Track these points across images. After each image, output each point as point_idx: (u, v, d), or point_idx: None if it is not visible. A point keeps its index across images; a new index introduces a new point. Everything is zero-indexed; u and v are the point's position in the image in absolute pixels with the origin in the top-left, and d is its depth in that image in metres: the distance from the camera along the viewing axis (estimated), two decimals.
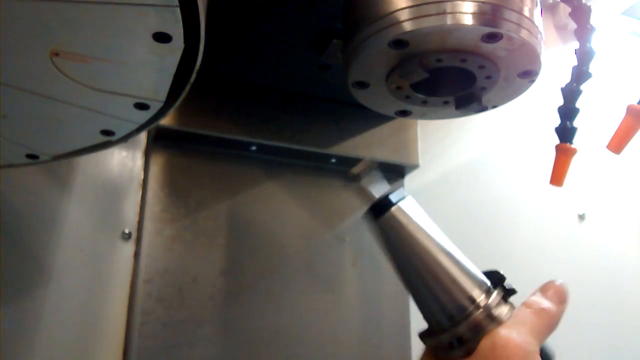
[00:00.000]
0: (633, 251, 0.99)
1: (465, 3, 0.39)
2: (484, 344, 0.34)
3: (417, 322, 0.75)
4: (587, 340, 0.87)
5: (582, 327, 0.85)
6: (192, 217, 0.67)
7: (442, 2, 0.39)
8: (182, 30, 0.35)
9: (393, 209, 0.37)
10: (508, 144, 0.94)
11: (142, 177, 0.69)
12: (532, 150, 0.94)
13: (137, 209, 0.68)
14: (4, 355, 0.58)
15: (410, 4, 0.39)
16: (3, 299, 0.59)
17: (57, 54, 0.37)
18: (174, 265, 0.65)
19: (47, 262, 0.62)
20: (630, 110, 0.44)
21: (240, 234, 0.69)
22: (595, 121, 0.78)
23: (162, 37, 0.35)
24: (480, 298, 0.36)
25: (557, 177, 0.45)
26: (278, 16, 0.58)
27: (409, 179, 0.81)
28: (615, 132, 0.45)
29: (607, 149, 0.45)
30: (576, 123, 0.45)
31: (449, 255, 0.37)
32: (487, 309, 0.35)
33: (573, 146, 0.45)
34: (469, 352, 0.34)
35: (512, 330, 0.34)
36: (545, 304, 0.36)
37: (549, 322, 0.36)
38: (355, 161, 0.76)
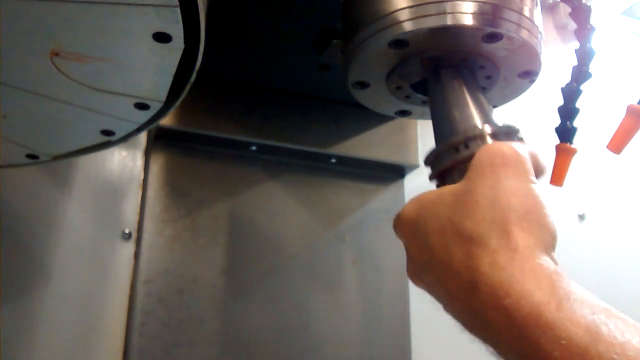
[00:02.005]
0: (633, 251, 0.99)
1: (465, 3, 0.39)
2: (480, 151, 0.35)
3: (418, 322, 0.75)
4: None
5: None
6: (192, 217, 0.67)
7: (442, 2, 0.39)
8: (182, 30, 0.35)
9: None
10: None
11: (142, 177, 0.69)
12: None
13: (137, 209, 0.68)
14: (4, 355, 0.58)
15: (410, 4, 0.39)
16: (3, 299, 0.59)
17: (57, 54, 0.37)
18: (174, 265, 0.64)
19: (47, 262, 0.62)
20: (630, 110, 0.44)
21: (240, 234, 0.69)
22: (595, 121, 0.78)
23: (162, 37, 0.35)
24: (487, 127, 0.37)
25: (557, 177, 0.45)
26: (278, 16, 0.58)
27: (409, 179, 0.81)
28: (615, 132, 0.45)
29: (607, 149, 0.45)
30: (576, 123, 0.45)
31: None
32: (486, 131, 0.37)
33: (573, 146, 0.45)
34: (462, 161, 0.37)
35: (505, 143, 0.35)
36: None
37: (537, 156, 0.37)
38: (355, 161, 0.76)
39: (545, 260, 0.30)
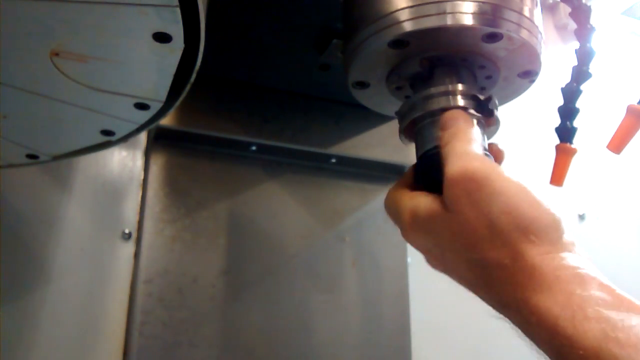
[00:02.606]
0: (633, 251, 0.99)
1: (465, 3, 0.39)
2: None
3: (418, 322, 0.75)
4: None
5: None
6: (192, 217, 0.67)
7: (442, 2, 0.39)
8: (182, 30, 0.35)
9: None
10: (508, 144, 0.93)
11: (142, 177, 0.69)
12: (532, 150, 0.94)
13: (137, 209, 0.68)
14: (3, 355, 0.58)
15: (410, 4, 0.39)
16: (3, 299, 0.59)
17: (57, 54, 0.37)
18: (174, 265, 0.64)
19: (47, 262, 0.62)
20: (630, 110, 0.44)
21: (240, 234, 0.69)
22: (595, 121, 0.78)
23: (162, 37, 0.35)
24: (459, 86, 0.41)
25: (557, 177, 0.45)
26: (278, 16, 0.58)
27: None
28: (615, 132, 0.45)
29: (607, 149, 0.45)
30: (576, 123, 0.45)
31: None
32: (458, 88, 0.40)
33: (573, 146, 0.45)
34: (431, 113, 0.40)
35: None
36: None
37: None
38: (355, 161, 0.76)
39: (564, 263, 0.31)
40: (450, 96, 0.40)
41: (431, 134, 0.40)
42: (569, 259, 0.31)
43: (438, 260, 0.38)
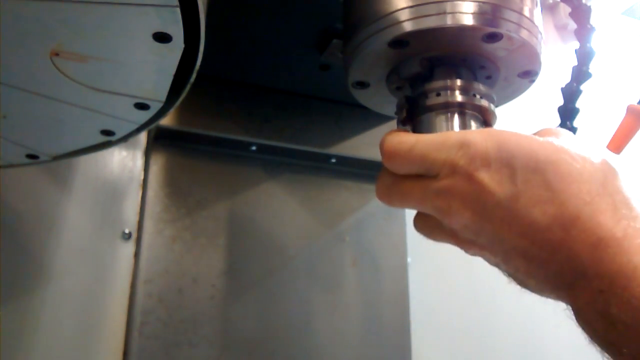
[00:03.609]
0: None
1: (465, 3, 0.39)
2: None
3: (418, 322, 0.75)
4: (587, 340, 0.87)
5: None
6: (192, 217, 0.67)
7: (442, 2, 0.39)
8: (182, 30, 0.35)
9: None
10: None
11: (142, 177, 0.69)
12: None
13: (137, 209, 0.68)
14: (3, 355, 0.58)
15: (410, 4, 0.39)
16: (3, 299, 0.59)
17: (57, 54, 0.37)
18: (174, 266, 0.64)
19: (47, 262, 0.62)
20: (630, 110, 0.44)
21: (240, 234, 0.69)
22: (595, 121, 0.78)
23: (162, 37, 0.35)
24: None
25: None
26: (278, 16, 0.58)
27: None
28: (615, 132, 0.45)
29: (607, 149, 0.45)
30: (576, 123, 0.45)
31: None
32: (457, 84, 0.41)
33: None
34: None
35: None
36: None
37: None
38: (355, 161, 0.76)
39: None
40: (449, 91, 0.41)
41: (435, 125, 0.41)
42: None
43: None
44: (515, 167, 0.32)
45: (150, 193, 0.66)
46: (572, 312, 0.31)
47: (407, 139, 0.37)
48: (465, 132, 0.35)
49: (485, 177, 0.33)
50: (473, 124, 0.41)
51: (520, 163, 0.32)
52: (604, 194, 0.31)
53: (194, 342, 0.63)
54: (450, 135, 0.35)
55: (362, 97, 0.50)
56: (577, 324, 0.31)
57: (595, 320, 0.30)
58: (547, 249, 0.31)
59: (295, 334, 0.68)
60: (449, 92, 0.41)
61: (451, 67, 0.42)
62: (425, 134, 0.38)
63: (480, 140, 0.33)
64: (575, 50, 0.45)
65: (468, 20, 0.39)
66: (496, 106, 0.50)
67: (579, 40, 0.45)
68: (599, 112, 0.89)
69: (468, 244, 0.36)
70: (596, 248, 0.30)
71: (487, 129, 0.36)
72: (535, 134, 0.36)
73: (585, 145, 0.34)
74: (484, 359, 0.83)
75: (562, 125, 0.45)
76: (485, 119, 0.42)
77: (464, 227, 0.34)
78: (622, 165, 0.34)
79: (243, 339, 0.65)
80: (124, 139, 0.49)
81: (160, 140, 0.68)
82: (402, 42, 0.41)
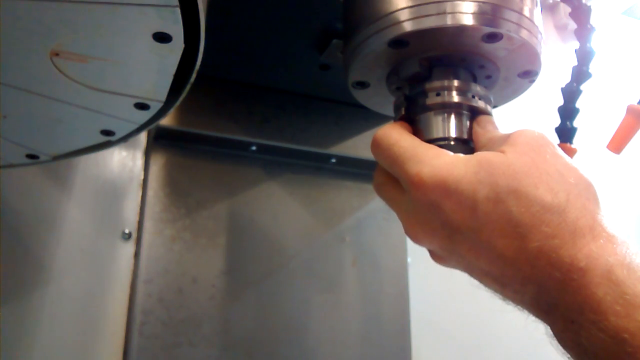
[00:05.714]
0: None
1: (465, 3, 0.39)
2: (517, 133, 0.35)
3: (417, 322, 0.75)
4: None
5: None
6: (192, 217, 0.67)
7: (442, 2, 0.39)
8: (182, 30, 0.35)
9: None
10: None
11: (142, 177, 0.69)
12: None
13: (137, 209, 0.68)
14: (4, 355, 0.58)
15: (410, 4, 0.39)
16: (3, 299, 0.59)
17: (57, 54, 0.37)
18: (174, 265, 0.65)
19: (47, 262, 0.62)
20: (630, 110, 0.44)
21: (240, 234, 0.69)
22: (595, 121, 0.78)
23: (162, 37, 0.35)
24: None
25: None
26: (278, 16, 0.58)
27: None
28: (615, 132, 0.45)
29: (607, 149, 0.45)
30: (576, 123, 0.45)
31: None
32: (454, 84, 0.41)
33: (573, 146, 0.45)
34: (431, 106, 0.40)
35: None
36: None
37: None
38: (355, 161, 0.76)
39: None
40: (447, 91, 0.41)
41: (432, 125, 0.41)
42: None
43: None
44: (476, 200, 0.32)
45: (150, 193, 0.66)
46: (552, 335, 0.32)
47: (394, 134, 0.37)
48: (438, 154, 0.35)
49: (447, 207, 0.33)
50: (469, 125, 0.41)
51: (481, 195, 0.32)
52: (567, 222, 0.31)
53: (194, 342, 0.63)
54: (426, 152, 0.35)
55: (362, 97, 0.50)
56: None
57: (571, 347, 0.30)
58: (517, 280, 0.32)
59: (295, 334, 0.68)
60: (446, 92, 0.41)
61: (450, 67, 0.42)
62: (413, 138, 0.38)
63: (446, 170, 0.33)
64: (575, 50, 0.45)
65: (468, 20, 0.39)
66: (496, 106, 0.50)
67: (579, 40, 0.45)
68: (599, 112, 0.89)
69: (441, 260, 0.37)
70: (562, 282, 0.30)
71: (456, 156, 0.34)
72: (509, 136, 0.36)
73: (550, 158, 0.34)
74: (483, 359, 0.83)
75: (562, 125, 0.45)
76: None
77: (435, 248, 0.35)
78: (587, 174, 0.35)
79: (243, 339, 0.65)
80: (124, 139, 0.49)
81: (160, 140, 0.68)
82: (402, 42, 0.41)
